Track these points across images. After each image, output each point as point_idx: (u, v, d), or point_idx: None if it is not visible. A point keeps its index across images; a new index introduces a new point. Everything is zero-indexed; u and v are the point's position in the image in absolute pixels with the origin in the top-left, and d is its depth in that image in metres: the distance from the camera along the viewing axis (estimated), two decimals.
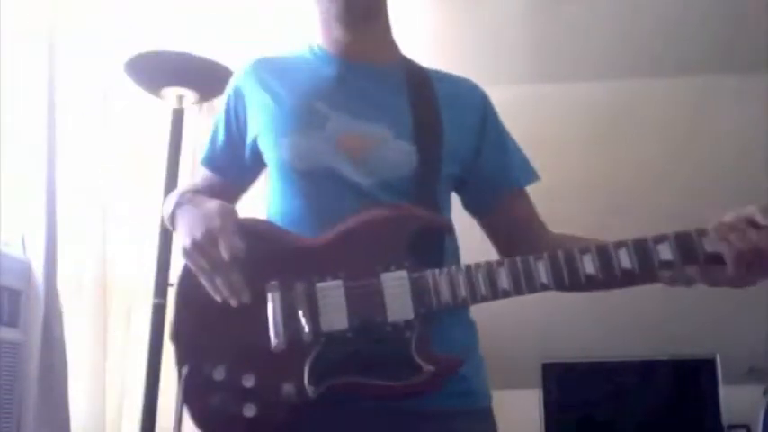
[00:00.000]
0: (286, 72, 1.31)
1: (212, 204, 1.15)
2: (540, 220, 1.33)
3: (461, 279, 1.10)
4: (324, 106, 1.23)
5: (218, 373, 1.12)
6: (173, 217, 1.23)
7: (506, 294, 1.10)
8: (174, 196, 1.26)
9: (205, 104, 2.85)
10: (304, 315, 1.10)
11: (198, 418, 1.15)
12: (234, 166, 1.34)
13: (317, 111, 1.23)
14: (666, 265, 1.09)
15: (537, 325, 3.78)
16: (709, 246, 1.07)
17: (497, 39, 3.25)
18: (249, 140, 1.30)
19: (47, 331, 1.79)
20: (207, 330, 1.16)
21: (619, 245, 1.12)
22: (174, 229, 1.23)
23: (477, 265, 1.11)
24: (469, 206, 1.33)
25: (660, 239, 1.11)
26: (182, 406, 1.16)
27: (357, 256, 1.12)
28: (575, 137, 3.02)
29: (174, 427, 1.17)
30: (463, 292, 1.10)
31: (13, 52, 1.86)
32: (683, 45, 3.24)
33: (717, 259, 1.07)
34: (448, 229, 1.19)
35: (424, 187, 1.19)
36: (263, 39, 3.13)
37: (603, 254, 1.09)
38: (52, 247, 1.84)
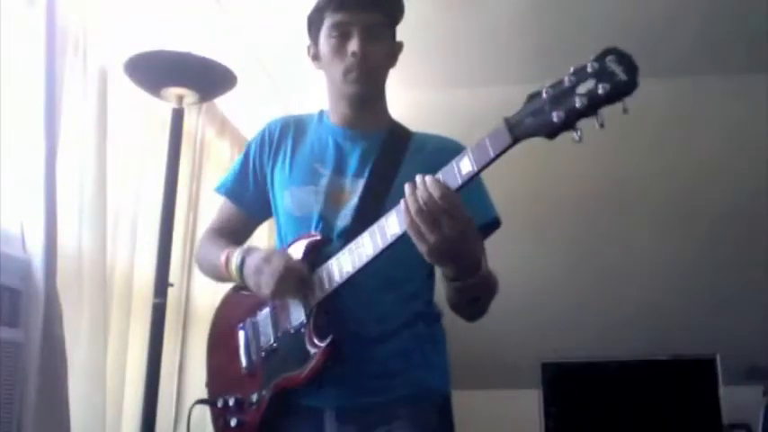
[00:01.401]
0: (299, 134, 1.64)
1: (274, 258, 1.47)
2: None
3: (333, 266, 1.41)
4: (320, 167, 1.57)
5: (221, 403, 1.56)
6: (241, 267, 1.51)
7: (348, 275, 1.37)
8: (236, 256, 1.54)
9: (205, 104, 2.85)
10: (252, 341, 1.56)
11: None
12: (253, 200, 1.67)
13: (315, 170, 1.57)
14: (395, 235, 1.29)
15: (537, 325, 3.78)
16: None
17: (497, 39, 3.25)
18: (267, 183, 1.64)
19: (47, 331, 1.79)
20: (220, 370, 1.64)
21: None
22: (242, 274, 1.50)
23: (345, 249, 1.39)
24: None
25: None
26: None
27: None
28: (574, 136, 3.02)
29: None
30: (335, 276, 1.40)
31: (12, 50, 1.86)
32: (682, 45, 3.25)
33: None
34: (323, 242, 1.47)
35: (364, 214, 1.46)
36: (263, 38, 3.13)
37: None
38: (52, 246, 1.84)
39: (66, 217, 2.00)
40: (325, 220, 1.51)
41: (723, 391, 3.62)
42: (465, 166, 1.18)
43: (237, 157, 1.74)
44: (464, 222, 1.19)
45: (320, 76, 1.63)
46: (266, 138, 1.66)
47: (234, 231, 1.70)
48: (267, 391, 1.48)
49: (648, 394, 3.74)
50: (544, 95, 1.09)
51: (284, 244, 1.57)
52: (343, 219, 1.50)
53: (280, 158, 1.63)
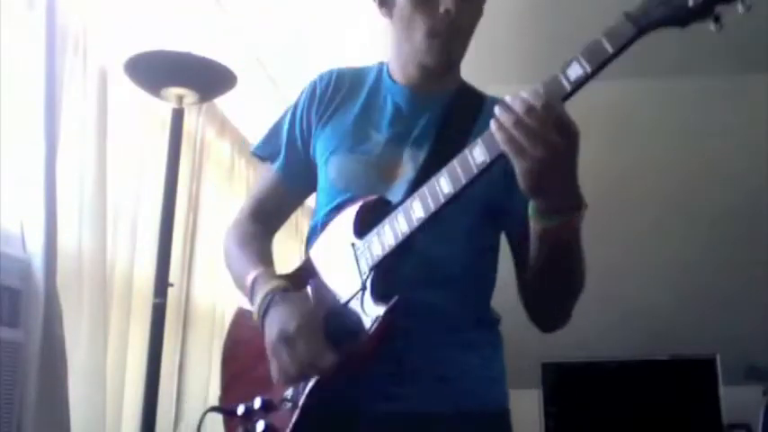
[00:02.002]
0: (353, 90, 1.38)
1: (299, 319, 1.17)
2: None
3: (387, 227, 1.16)
4: (375, 133, 1.32)
5: (241, 409, 1.25)
6: (265, 312, 1.23)
7: (420, 221, 1.11)
8: (261, 290, 1.25)
9: (205, 104, 2.85)
10: None
11: None
12: (303, 168, 1.40)
13: (369, 136, 1.32)
14: (483, 165, 1.06)
15: None
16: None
17: (497, 39, 3.25)
18: (311, 148, 1.38)
19: (47, 331, 1.78)
20: (242, 378, 1.36)
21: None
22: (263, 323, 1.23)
23: (397, 210, 1.15)
24: (507, 236, 1.35)
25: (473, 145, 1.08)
26: None
27: (324, 257, 1.30)
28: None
29: None
30: (388, 238, 1.15)
31: (12, 50, 1.86)
32: (682, 45, 3.24)
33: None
34: (381, 202, 1.21)
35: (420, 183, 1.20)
36: (263, 38, 3.13)
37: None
38: (52, 246, 1.84)
39: (66, 217, 1.99)
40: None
41: (723, 391, 3.62)
42: (574, 71, 1.00)
43: (281, 118, 1.45)
44: (574, 130, 0.99)
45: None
46: (317, 91, 1.38)
47: (274, 211, 1.45)
48: (305, 384, 1.18)
49: (648, 394, 3.74)
50: None
51: (320, 221, 1.33)
52: (395, 196, 1.23)
53: (328, 118, 1.36)
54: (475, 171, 1.06)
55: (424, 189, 1.11)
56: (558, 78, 1.01)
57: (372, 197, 1.22)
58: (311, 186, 1.41)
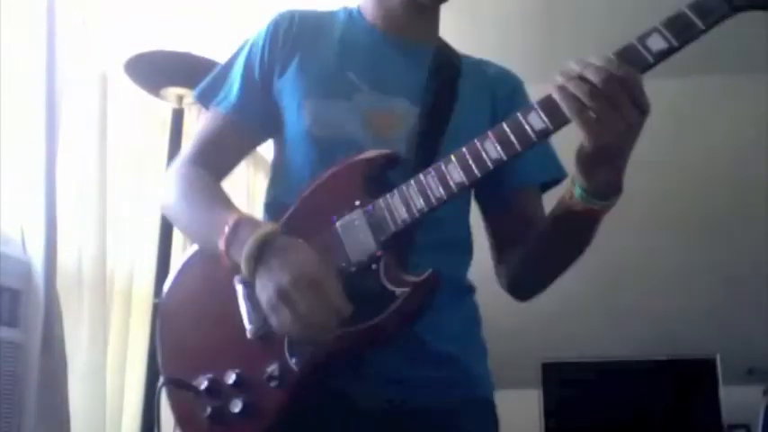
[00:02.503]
0: (321, 31, 1.24)
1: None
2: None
3: (412, 191, 1.04)
4: (355, 77, 1.18)
5: (202, 383, 1.08)
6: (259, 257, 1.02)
7: (460, 186, 1.02)
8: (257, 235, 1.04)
9: None
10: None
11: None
12: (260, 113, 1.24)
13: (348, 80, 1.18)
14: (542, 133, 0.98)
15: (537, 325, 3.78)
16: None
17: (497, 39, 3.25)
18: (273, 91, 1.23)
19: (47, 331, 1.79)
20: (188, 344, 1.15)
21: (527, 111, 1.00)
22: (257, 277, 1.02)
23: (427, 172, 1.04)
24: (478, 197, 1.28)
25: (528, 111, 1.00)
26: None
27: (314, 218, 1.09)
28: (575, 136, 3.02)
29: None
30: (418, 202, 1.03)
31: (12, 51, 1.86)
32: None
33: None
34: (395, 159, 1.10)
35: (422, 149, 1.14)
36: None
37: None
38: (52, 246, 1.84)
39: (67, 217, 2.00)
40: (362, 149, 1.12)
41: (723, 391, 3.62)
42: (656, 43, 0.93)
43: (230, 59, 1.30)
44: (648, 107, 0.93)
45: None
46: (280, 30, 1.24)
47: (224, 157, 1.27)
48: (299, 359, 1.02)
49: (648, 394, 3.74)
50: None
51: (290, 173, 1.20)
52: (403, 146, 1.14)
53: (297, 57, 1.21)
54: (534, 138, 0.98)
55: (464, 152, 1.01)
56: (637, 48, 0.93)
57: (384, 152, 1.10)
58: (268, 130, 1.26)
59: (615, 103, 0.90)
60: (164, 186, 1.27)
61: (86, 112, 2.15)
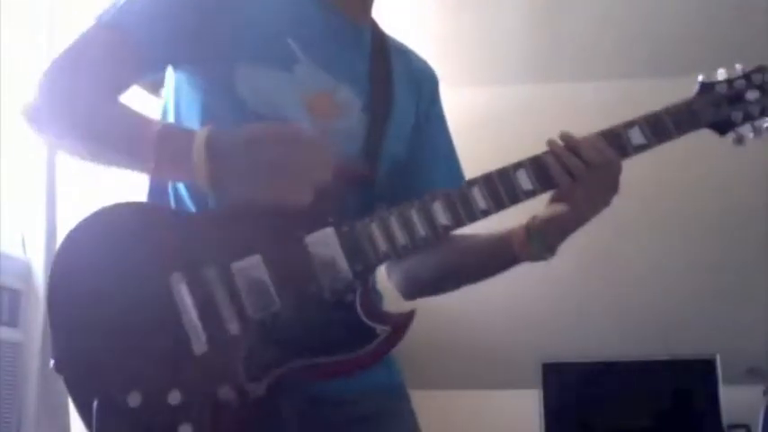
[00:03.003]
0: None
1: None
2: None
3: (395, 223, 0.97)
4: (296, 45, 1.03)
5: (134, 400, 0.89)
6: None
7: (447, 229, 1.00)
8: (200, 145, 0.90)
9: None
10: (223, 305, 0.91)
11: None
12: (166, 46, 1.04)
13: (288, 48, 1.02)
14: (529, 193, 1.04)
15: (537, 325, 3.78)
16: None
17: (497, 39, 3.25)
18: (194, 45, 1.02)
19: (47, 331, 1.78)
20: (106, 347, 0.92)
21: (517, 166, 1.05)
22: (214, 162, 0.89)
23: (410, 204, 0.98)
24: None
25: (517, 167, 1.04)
26: None
27: (273, 224, 0.93)
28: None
29: None
30: (401, 238, 0.97)
31: (12, 51, 1.86)
32: (683, 45, 3.25)
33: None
34: (370, 181, 1.05)
35: (365, 150, 1.08)
36: None
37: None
38: (52, 246, 1.84)
39: (67, 217, 1.99)
40: None
41: (723, 391, 3.62)
42: (636, 137, 1.11)
43: None
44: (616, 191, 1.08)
45: None
46: None
47: (115, 85, 1.11)
48: (259, 383, 0.91)
49: (648, 394, 3.74)
50: (718, 90, 1.15)
51: None
52: (345, 142, 1.05)
53: (228, 14, 1.02)
54: (521, 198, 1.03)
55: (455, 195, 0.99)
56: (623, 138, 1.09)
57: (360, 171, 1.04)
58: (163, 66, 1.10)
59: (602, 181, 1.04)
60: (41, 85, 1.07)
61: None
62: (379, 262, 0.99)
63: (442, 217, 0.99)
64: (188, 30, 1.01)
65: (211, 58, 1.02)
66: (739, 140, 1.14)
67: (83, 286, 0.93)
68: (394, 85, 1.13)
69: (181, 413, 0.88)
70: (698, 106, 1.13)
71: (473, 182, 1.02)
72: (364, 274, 0.96)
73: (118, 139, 1.01)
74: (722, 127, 1.14)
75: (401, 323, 0.97)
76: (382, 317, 0.97)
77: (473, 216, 1.01)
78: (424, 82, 1.23)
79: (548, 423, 3.74)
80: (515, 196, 1.03)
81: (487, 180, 1.02)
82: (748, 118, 1.13)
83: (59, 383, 1.87)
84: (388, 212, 0.98)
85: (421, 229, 0.98)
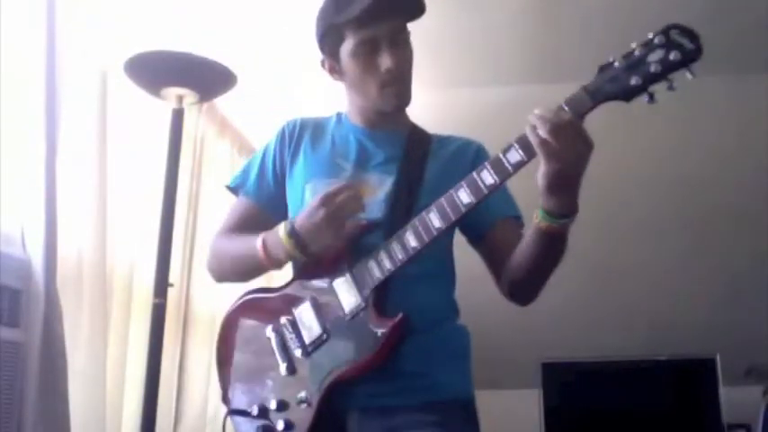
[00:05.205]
0: (318, 132, 1.65)
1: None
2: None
3: (383, 254, 1.41)
4: (343, 161, 1.58)
5: (254, 410, 1.48)
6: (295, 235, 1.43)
7: (416, 250, 1.37)
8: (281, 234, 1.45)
9: (205, 104, 2.85)
10: (290, 340, 1.48)
11: None
12: (273, 197, 1.63)
13: (338, 164, 1.57)
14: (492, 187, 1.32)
15: (537, 325, 3.78)
16: (513, 156, 1.29)
17: (497, 39, 3.25)
18: (286, 180, 1.63)
19: (47, 331, 1.79)
20: (244, 380, 1.56)
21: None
22: (295, 234, 1.43)
23: (392, 239, 1.41)
24: (465, 234, 1.59)
25: (481, 169, 1.33)
26: None
27: (315, 275, 1.51)
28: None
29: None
30: (387, 263, 1.40)
31: (12, 50, 1.86)
32: None
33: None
34: (372, 228, 1.46)
35: (397, 207, 1.48)
36: (263, 38, 3.13)
37: (471, 184, 1.34)
38: (52, 246, 1.84)
39: (67, 217, 1.99)
40: None
41: (723, 391, 3.62)
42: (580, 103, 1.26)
43: (252, 157, 1.72)
44: (591, 142, 1.24)
45: (317, 75, 1.61)
46: (286, 134, 1.65)
47: (242, 230, 1.64)
48: (318, 386, 1.42)
49: (648, 394, 3.75)
50: (617, 65, 1.23)
51: None
52: (373, 212, 1.49)
53: (300, 154, 1.62)
54: (485, 191, 1.32)
55: (417, 222, 1.38)
56: (581, 98, 1.25)
57: (362, 223, 1.46)
58: (279, 212, 1.61)
59: (570, 139, 1.22)
60: (210, 250, 1.69)
61: (86, 112, 2.15)
62: (377, 283, 1.41)
63: (411, 240, 1.39)
64: (277, 173, 1.64)
65: (295, 183, 1.60)
66: (651, 98, 1.22)
67: (234, 342, 1.60)
68: (426, 164, 1.55)
69: (276, 413, 1.46)
70: (592, 87, 1.24)
71: (429, 209, 1.38)
72: (370, 295, 1.42)
73: (240, 255, 1.58)
74: (626, 95, 1.23)
75: (395, 325, 1.37)
76: (382, 323, 1.38)
77: (431, 233, 1.38)
78: (464, 154, 1.60)
79: (548, 423, 3.75)
80: (458, 209, 1.35)
81: (438, 205, 1.37)
82: (650, 79, 1.21)
83: (59, 383, 1.87)
84: (379, 248, 1.42)
85: (397, 253, 1.40)
